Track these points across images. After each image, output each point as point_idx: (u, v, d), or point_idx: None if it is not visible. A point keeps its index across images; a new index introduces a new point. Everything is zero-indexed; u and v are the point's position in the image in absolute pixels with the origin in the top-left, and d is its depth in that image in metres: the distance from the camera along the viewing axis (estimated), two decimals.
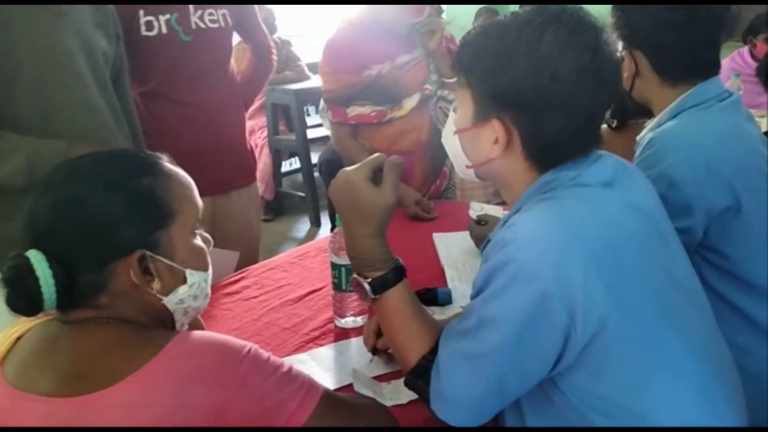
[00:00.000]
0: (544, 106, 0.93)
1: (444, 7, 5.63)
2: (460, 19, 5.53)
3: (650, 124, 1.45)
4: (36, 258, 0.85)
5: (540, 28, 0.92)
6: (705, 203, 1.28)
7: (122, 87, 1.73)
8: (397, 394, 1.16)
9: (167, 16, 1.87)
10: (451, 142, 1.08)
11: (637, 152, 1.40)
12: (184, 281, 0.94)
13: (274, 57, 2.37)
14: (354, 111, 2.13)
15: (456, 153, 1.07)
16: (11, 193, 1.38)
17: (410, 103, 2.14)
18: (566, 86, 0.92)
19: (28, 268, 0.84)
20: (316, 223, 4.72)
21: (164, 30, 1.87)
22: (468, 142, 1.03)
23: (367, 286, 1.04)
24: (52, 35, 1.44)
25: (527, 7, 0.97)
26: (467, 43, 1.01)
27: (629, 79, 1.42)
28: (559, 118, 0.94)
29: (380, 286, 1.04)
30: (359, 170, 1.03)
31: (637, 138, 1.45)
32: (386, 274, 1.03)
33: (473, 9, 5.13)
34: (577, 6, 0.96)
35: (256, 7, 2.25)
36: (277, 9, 5.17)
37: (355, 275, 1.07)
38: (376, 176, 1.04)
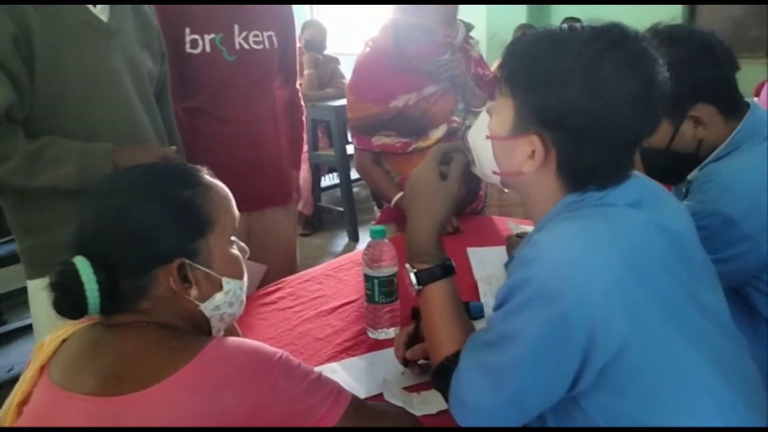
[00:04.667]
0: (590, 131, 0.92)
1: (485, 22, 5.66)
2: (501, 36, 5.53)
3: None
4: (82, 264, 0.90)
5: (600, 52, 0.90)
6: (760, 241, 1.27)
7: (165, 104, 1.78)
8: (427, 405, 1.17)
9: (212, 35, 1.91)
10: (479, 143, 1.07)
11: (693, 185, 1.39)
12: (221, 288, 0.98)
13: (303, 104, 2.38)
14: (379, 140, 2.13)
15: (484, 156, 1.06)
16: (62, 196, 1.44)
17: (437, 134, 2.12)
18: (617, 115, 0.91)
19: (75, 274, 0.89)
20: (354, 238, 4.76)
21: (208, 49, 1.91)
22: (500, 150, 1.02)
23: (412, 276, 1.10)
24: (101, 55, 1.50)
25: (586, 26, 0.95)
26: (517, 51, 0.98)
27: (698, 139, 1.38)
28: (602, 144, 0.93)
29: (423, 279, 1.09)
30: (428, 166, 1.12)
31: (689, 177, 1.43)
32: (432, 268, 1.09)
33: (514, 22, 5.14)
34: (636, 31, 0.95)
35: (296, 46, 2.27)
36: (329, 27, 5.28)
37: (406, 266, 1.13)
38: (443, 170, 1.12)
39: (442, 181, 1.10)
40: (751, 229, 1.26)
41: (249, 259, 2.04)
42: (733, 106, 1.39)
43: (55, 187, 1.44)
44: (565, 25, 0.96)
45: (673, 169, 1.45)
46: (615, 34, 0.93)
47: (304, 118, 2.40)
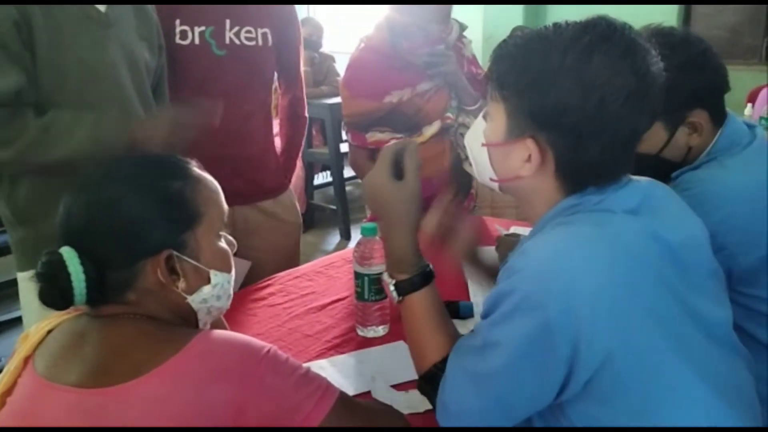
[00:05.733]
0: (586, 129, 0.90)
1: (481, 24, 5.67)
2: (497, 37, 5.52)
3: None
4: (69, 255, 0.89)
5: (589, 48, 0.88)
6: (737, 253, 1.26)
7: (162, 97, 1.77)
8: (414, 403, 1.17)
9: (202, 28, 1.89)
10: (476, 150, 1.05)
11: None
12: (208, 281, 0.97)
13: (306, 115, 2.32)
14: (373, 137, 2.13)
15: (481, 163, 1.05)
16: (58, 186, 1.42)
17: (430, 130, 2.13)
18: (613, 111, 0.88)
19: (62, 264, 0.88)
20: (345, 236, 4.77)
21: (197, 41, 1.89)
22: (497, 156, 1.01)
23: (392, 288, 1.06)
24: (98, 46, 1.49)
25: (571, 22, 0.93)
26: (505, 55, 0.96)
27: (689, 146, 1.37)
28: (600, 141, 0.91)
29: (404, 289, 1.05)
30: (380, 170, 1.06)
31: (673, 185, 1.43)
32: (412, 277, 1.05)
33: (511, 24, 5.14)
34: (624, 23, 0.93)
35: (301, 48, 2.21)
36: (325, 25, 5.28)
37: (384, 275, 1.09)
38: (398, 169, 1.06)
39: (398, 181, 1.05)
40: (726, 240, 1.24)
41: (239, 254, 2.02)
42: (722, 115, 1.38)
43: (70, 159, 1.39)
44: (550, 24, 0.95)
45: (656, 176, 1.44)
46: (602, 27, 0.91)
47: (304, 130, 2.34)
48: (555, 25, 0.94)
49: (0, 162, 1.39)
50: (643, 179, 1.01)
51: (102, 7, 1.51)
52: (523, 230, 2.02)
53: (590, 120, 0.89)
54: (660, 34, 1.34)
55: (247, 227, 2.06)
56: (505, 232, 1.87)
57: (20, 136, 1.36)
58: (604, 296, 0.84)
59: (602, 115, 0.89)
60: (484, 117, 1.04)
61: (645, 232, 0.91)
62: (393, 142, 1.09)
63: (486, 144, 1.02)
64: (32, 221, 1.51)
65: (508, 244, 1.70)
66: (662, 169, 1.39)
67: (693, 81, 1.31)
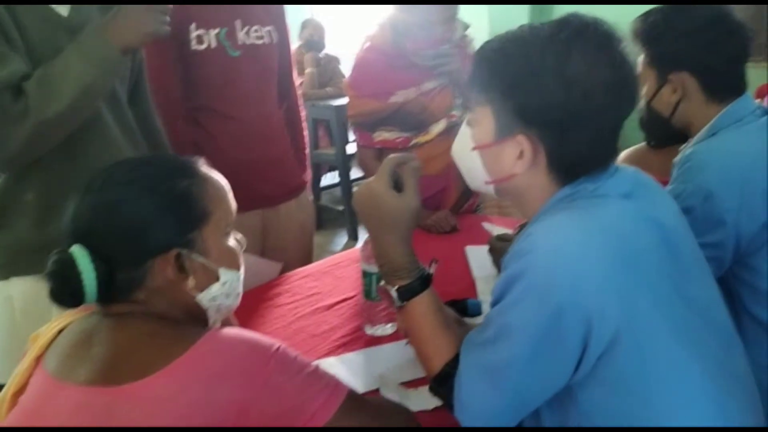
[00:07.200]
0: (573, 123, 0.93)
1: (487, 22, 5.66)
2: None
3: (688, 144, 1.45)
4: (79, 253, 0.90)
5: (566, 44, 0.92)
6: (740, 217, 1.28)
7: (141, 97, 1.70)
8: (423, 400, 1.17)
9: (216, 30, 1.89)
10: (466, 157, 1.06)
11: (674, 170, 1.41)
12: (217, 279, 0.98)
13: (303, 117, 2.28)
14: (380, 136, 2.15)
15: (472, 168, 1.06)
16: (30, 198, 1.38)
17: (436, 129, 2.15)
18: (596, 103, 0.92)
19: (72, 263, 0.89)
20: (353, 237, 4.76)
21: (213, 44, 1.89)
22: (489, 158, 1.02)
23: (394, 294, 1.06)
24: (59, 52, 1.37)
25: (545, 22, 0.97)
26: (484, 58, 0.99)
27: (673, 104, 1.42)
28: (587, 133, 0.94)
29: (406, 294, 1.06)
30: (381, 180, 1.07)
31: (674, 160, 1.44)
32: (412, 282, 1.05)
33: (516, 22, 5.12)
34: (595, 18, 0.96)
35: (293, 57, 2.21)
36: (327, 25, 5.29)
37: (382, 283, 1.09)
38: (396, 181, 1.07)
39: (399, 195, 1.06)
40: (728, 206, 1.27)
41: (265, 256, 2.01)
42: (720, 92, 1.40)
43: (87, 91, 1.33)
44: (525, 26, 0.98)
45: (646, 123, 1.51)
46: (575, 24, 0.94)
47: (305, 133, 2.32)
48: (530, 26, 0.97)
49: (28, 139, 1.30)
50: (629, 167, 1.04)
51: (63, 11, 1.43)
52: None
53: (576, 114, 0.92)
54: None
55: (274, 230, 2.08)
56: (496, 232, 1.86)
57: (29, 103, 1.29)
58: (610, 277, 0.86)
59: (587, 108, 0.92)
60: (468, 124, 1.06)
61: (642, 216, 0.95)
62: (393, 155, 1.09)
63: (477, 147, 1.03)
64: (7, 228, 1.43)
65: (500, 249, 1.70)
66: (650, 117, 1.46)
67: (682, 46, 1.36)
